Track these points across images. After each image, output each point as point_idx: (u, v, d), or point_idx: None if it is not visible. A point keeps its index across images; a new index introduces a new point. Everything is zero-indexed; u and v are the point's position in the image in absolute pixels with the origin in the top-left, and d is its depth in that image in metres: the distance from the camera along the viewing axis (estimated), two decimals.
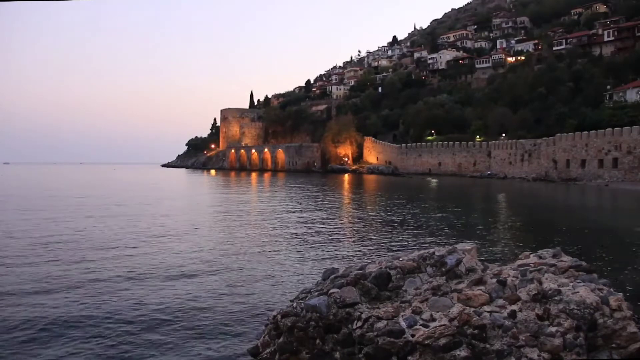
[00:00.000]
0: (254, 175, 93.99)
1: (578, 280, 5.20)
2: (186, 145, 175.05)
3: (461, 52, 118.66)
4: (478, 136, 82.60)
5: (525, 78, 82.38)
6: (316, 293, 5.70)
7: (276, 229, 21.03)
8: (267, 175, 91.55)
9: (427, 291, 5.40)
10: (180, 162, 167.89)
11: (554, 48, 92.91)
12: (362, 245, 16.75)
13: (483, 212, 29.30)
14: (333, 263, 13.34)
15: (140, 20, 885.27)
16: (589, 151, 59.07)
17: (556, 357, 4.62)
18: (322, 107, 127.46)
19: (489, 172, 75.43)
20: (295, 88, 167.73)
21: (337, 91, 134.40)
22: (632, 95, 65.89)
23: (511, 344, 4.72)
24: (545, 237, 18.03)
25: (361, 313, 5.22)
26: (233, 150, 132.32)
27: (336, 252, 15.47)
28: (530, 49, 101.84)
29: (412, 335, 4.88)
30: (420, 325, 4.94)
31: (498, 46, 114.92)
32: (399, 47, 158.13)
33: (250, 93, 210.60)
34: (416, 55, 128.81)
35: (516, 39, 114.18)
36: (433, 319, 4.97)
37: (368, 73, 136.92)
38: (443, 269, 5.65)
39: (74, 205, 31.00)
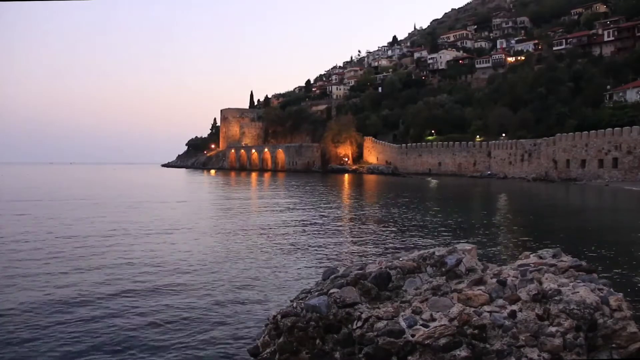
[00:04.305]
0: (254, 175, 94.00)
1: (578, 280, 5.20)
2: (186, 145, 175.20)
3: (461, 52, 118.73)
4: (478, 136, 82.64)
5: (525, 78, 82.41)
6: (316, 293, 5.71)
7: (276, 229, 21.03)
8: (267, 176, 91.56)
9: (427, 291, 5.40)
10: (180, 162, 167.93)
11: (554, 48, 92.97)
12: (362, 245, 16.75)
13: (483, 212, 29.30)
14: (333, 263, 13.34)
15: (140, 21, 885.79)
16: (589, 151, 59.09)
17: (556, 357, 4.63)
18: (322, 107, 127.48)
19: (489, 172, 75.46)
20: (295, 88, 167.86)
21: (337, 91, 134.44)
22: (632, 95, 65.93)
23: (511, 344, 4.72)
24: (545, 237, 18.03)
25: (361, 313, 5.22)
26: (233, 150, 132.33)
27: (336, 252, 15.47)
28: (530, 49, 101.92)
29: (412, 335, 4.89)
30: (420, 325, 4.94)
31: (498, 46, 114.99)
32: (399, 47, 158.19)
33: (250, 93, 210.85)
34: (416, 55, 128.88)
35: (516, 39, 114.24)
36: (433, 319, 4.97)
37: (368, 73, 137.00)
38: (443, 269, 5.66)
39: (69, 205, 31.02)
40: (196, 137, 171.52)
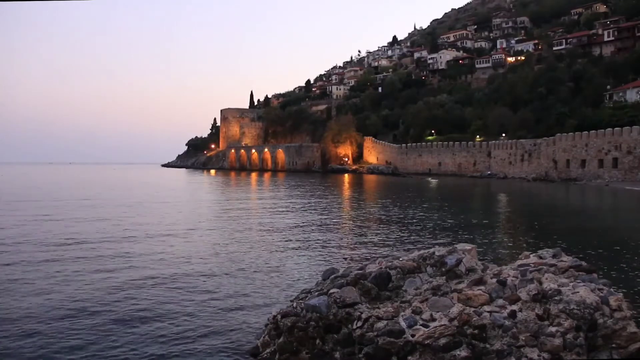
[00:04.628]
0: (253, 175, 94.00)
1: (578, 280, 5.20)
2: (186, 145, 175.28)
3: (461, 52, 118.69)
4: (478, 136, 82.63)
5: (525, 78, 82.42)
6: (316, 293, 5.71)
7: (276, 229, 21.03)
8: (267, 176, 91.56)
9: (427, 291, 5.40)
10: (180, 162, 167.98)
11: (554, 48, 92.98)
12: (362, 245, 16.75)
13: (483, 212, 29.30)
14: (333, 263, 13.34)
15: (140, 21, 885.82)
16: (589, 151, 59.09)
17: (556, 357, 4.62)
18: (322, 107, 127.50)
19: (489, 172, 75.46)
20: (295, 88, 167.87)
21: (337, 91, 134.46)
22: (632, 95, 65.92)
23: (511, 344, 4.72)
24: (545, 237, 18.03)
25: (361, 313, 5.22)
26: (233, 150, 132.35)
27: (336, 252, 15.47)
28: (530, 49, 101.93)
29: (412, 335, 4.88)
30: (420, 325, 4.94)
31: (498, 46, 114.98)
32: (399, 47, 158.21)
33: (250, 93, 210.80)
34: (416, 55, 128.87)
35: (516, 39, 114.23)
36: (433, 319, 4.97)
37: (368, 73, 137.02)
38: (443, 269, 5.66)
39: (70, 206, 31.02)
40: (196, 137, 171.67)
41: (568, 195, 43.41)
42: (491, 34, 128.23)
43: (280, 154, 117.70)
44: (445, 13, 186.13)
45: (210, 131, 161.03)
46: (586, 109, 68.29)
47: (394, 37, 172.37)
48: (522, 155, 70.16)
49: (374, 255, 14.39)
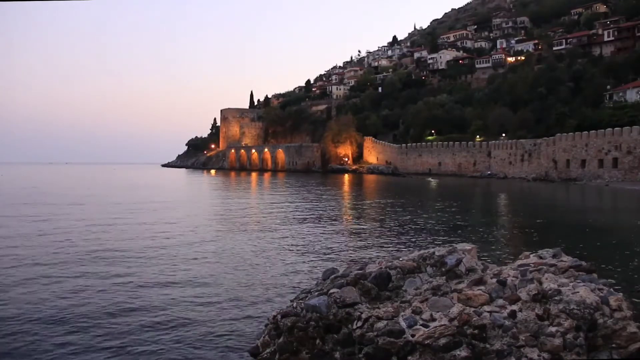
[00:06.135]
0: (254, 175, 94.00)
1: (578, 280, 5.19)
2: (186, 145, 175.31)
3: (461, 52, 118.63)
4: (478, 136, 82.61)
5: (525, 78, 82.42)
6: (316, 293, 5.70)
7: (276, 229, 21.03)
8: (267, 176, 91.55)
9: (427, 291, 5.40)
10: (180, 162, 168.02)
11: (554, 48, 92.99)
12: (362, 245, 16.74)
13: (483, 212, 29.30)
14: (333, 263, 13.34)
15: (140, 21, 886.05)
16: (589, 151, 59.10)
17: (556, 357, 4.62)
18: (322, 107, 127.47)
19: (489, 172, 75.46)
20: (295, 88, 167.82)
21: (337, 91, 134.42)
22: (632, 95, 65.92)
23: (511, 344, 4.72)
24: (545, 237, 18.03)
25: (361, 313, 5.21)
26: (233, 150, 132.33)
27: (336, 252, 15.47)
28: (530, 49, 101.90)
29: (412, 335, 4.88)
30: (420, 325, 4.94)
31: (498, 46, 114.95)
32: (399, 47, 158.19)
33: (250, 93, 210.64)
34: (416, 55, 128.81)
35: (516, 39, 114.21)
36: (433, 319, 4.97)
37: (368, 73, 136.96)
38: (443, 269, 5.65)
39: (69, 206, 31.01)
40: (196, 137, 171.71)
41: (568, 195, 43.40)
42: (491, 34, 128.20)
43: (280, 154, 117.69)
44: (445, 13, 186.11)
45: (210, 131, 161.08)
46: (586, 109, 68.29)
47: (394, 37, 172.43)
48: (522, 155, 70.18)
49: (374, 255, 14.39)
